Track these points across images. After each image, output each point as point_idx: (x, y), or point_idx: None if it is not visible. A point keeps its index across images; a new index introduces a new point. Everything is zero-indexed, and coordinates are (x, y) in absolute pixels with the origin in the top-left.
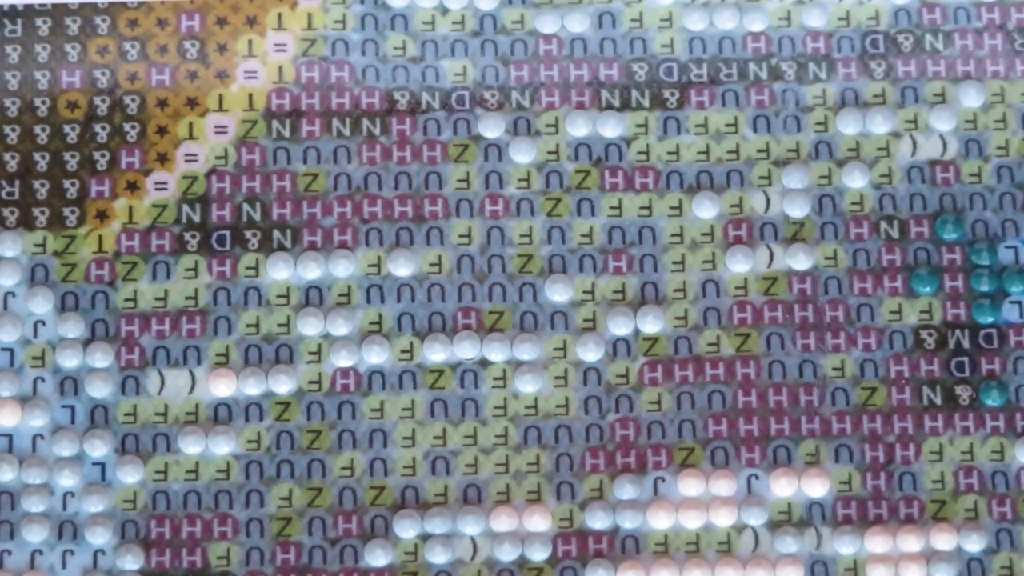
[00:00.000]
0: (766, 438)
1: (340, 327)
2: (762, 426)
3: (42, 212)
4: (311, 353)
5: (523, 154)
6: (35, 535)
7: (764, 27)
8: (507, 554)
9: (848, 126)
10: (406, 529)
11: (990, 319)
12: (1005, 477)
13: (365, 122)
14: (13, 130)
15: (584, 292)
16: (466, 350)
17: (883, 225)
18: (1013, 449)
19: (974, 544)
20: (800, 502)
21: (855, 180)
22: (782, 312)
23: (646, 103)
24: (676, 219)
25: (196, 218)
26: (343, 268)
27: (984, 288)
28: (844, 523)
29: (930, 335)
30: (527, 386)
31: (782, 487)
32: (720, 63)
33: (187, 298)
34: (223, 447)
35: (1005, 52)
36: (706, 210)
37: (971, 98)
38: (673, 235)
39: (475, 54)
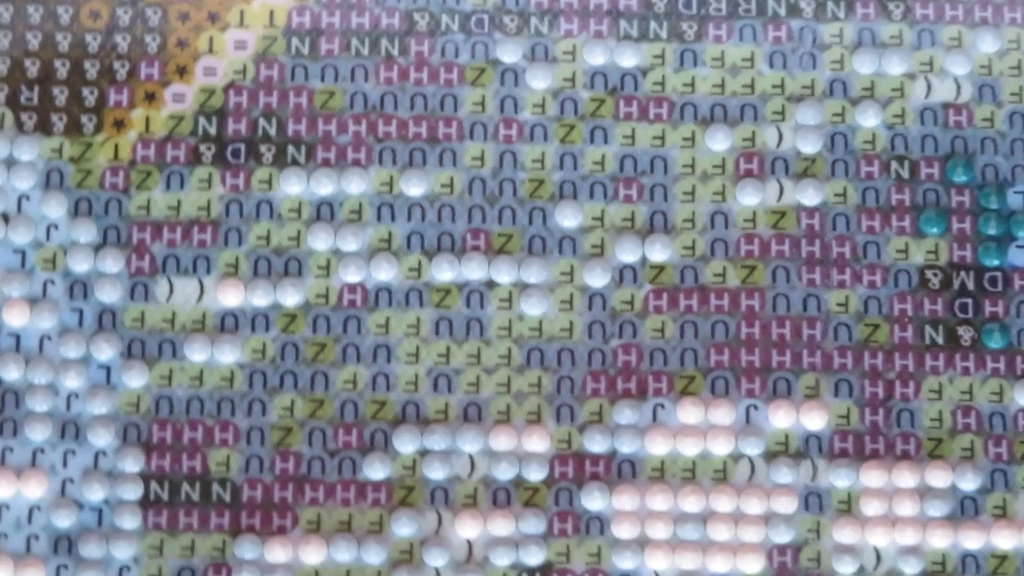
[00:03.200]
0: (767, 370)
1: (350, 243)
2: (763, 358)
3: (60, 118)
4: (320, 267)
5: (539, 80)
6: (38, 434)
7: None
8: (504, 473)
9: (864, 65)
10: (405, 444)
11: (996, 262)
12: (1003, 418)
13: (384, 42)
14: (35, 36)
15: (593, 218)
16: (473, 271)
17: (894, 165)
18: (1012, 391)
19: (969, 483)
20: (797, 434)
21: (868, 119)
22: (789, 246)
23: (664, 34)
24: (688, 150)
25: (212, 131)
26: (355, 185)
27: (991, 231)
28: (840, 456)
29: (935, 275)
30: (532, 308)
31: (780, 418)
32: None
33: (199, 208)
34: (228, 356)
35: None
36: (718, 143)
37: (987, 43)
38: (685, 166)
39: None
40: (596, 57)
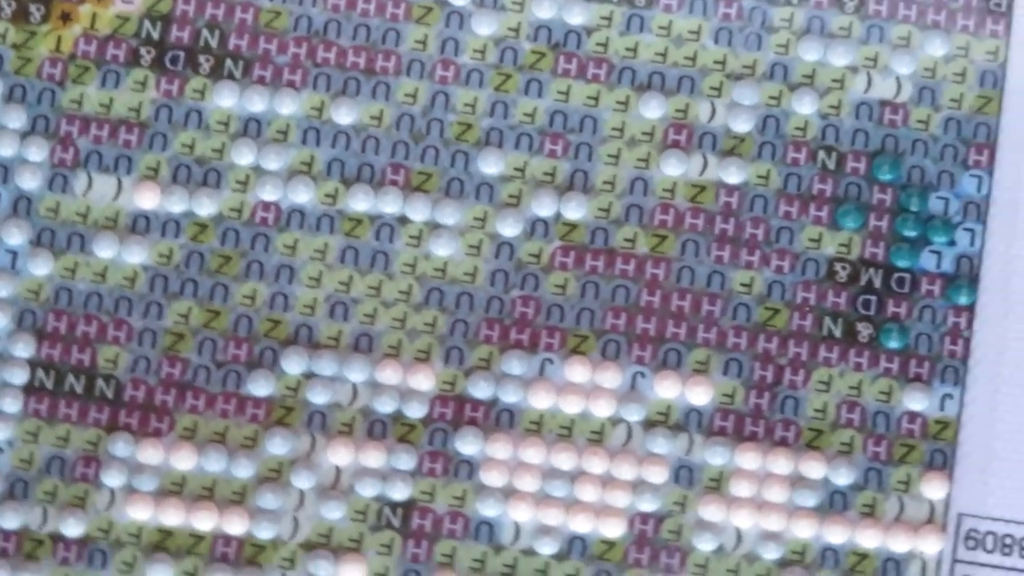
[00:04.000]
0: (660, 339)
1: (271, 162)
2: (659, 327)
3: (8, 3)
4: (238, 182)
5: (484, 26)
6: None
7: None
8: (384, 406)
9: (808, 52)
10: (292, 365)
11: (906, 264)
12: (887, 419)
13: None
14: None
15: (515, 168)
16: (388, 204)
17: (821, 154)
18: (901, 393)
19: (842, 478)
20: (680, 406)
21: (804, 106)
22: (703, 221)
23: None
24: (620, 114)
25: (155, 35)
26: (286, 106)
27: (908, 233)
28: (718, 434)
29: (844, 268)
30: (440, 249)
31: (666, 388)
32: None
33: (130, 109)
34: (135, 256)
35: (979, 8)
36: (652, 110)
37: (936, 47)
38: (614, 128)
39: None
40: (544, 11)
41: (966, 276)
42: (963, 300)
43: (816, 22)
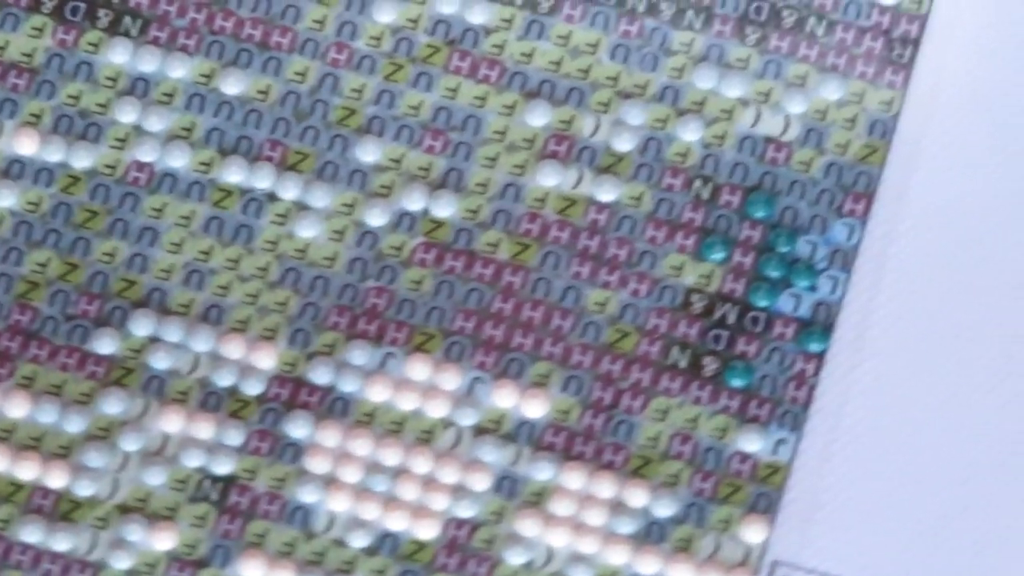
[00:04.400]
0: (505, 347)
1: (153, 123)
2: (506, 335)
3: None
4: (117, 139)
5: (385, 14)
6: None
7: None
8: (222, 379)
9: (702, 80)
10: (139, 327)
11: (764, 303)
12: (718, 456)
13: None
14: None
15: (391, 159)
16: (260, 180)
17: (697, 183)
18: (736, 432)
19: (663, 509)
20: (513, 417)
21: (688, 133)
22: (568, 235)
23: (519, 1)
24: (505, 118)
25: None
26: (176, 70)
27: (770, 272)
28: (547, 449)
29: (700, 300)
30: (304, 230)
31: (502, 397)
32: None
33: (23, 54)
34: (3, 200)
35: (880, 58)
36: (536, 118)
37: (830, 90)
38: (496, 132)
39: None
40: (447, 6)
41: (821, 323)
42: (814, 347)
43: (715, 50)
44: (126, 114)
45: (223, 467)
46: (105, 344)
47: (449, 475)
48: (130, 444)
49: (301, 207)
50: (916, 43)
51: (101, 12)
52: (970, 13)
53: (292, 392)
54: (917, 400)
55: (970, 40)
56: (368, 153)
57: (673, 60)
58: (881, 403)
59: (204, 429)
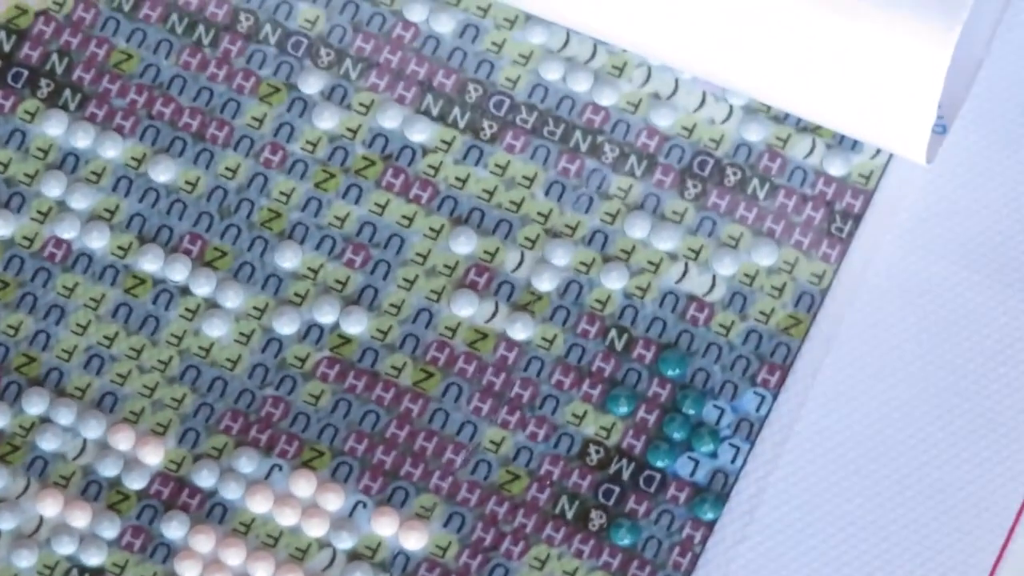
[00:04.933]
0: (394, 475)
1: (78, 200)
2: (396, 462)
3: None
4: (39, 212)
5: (325, 120)
6: None
7: (611, 103)
8: (107, 470)
9: (634, 228)
10: (32, 405)
11: (661, 464)
12: None
13: (200, 28)
14: None
15: (309, 268)
16: (175, 272)
17: (612, 333)
18: None
19: None
20: (390, 546)
21: (612, 281)
22: (475, 368)
23: (461, 124)
24: (429, 241)
25: (6, 47)
26: (109, 149)
27: (673, 433)
28: None
29: (597, 452)
30: (211, 329)
31: (382, 525)
32: (550, 118)
33: None
34: None
35: (819, 229)
36: (461, 245)
37: (763, 255)
38: (418, 254)
39: (333, 9)
40: (388, 120)
41: (716, 492)
42: (707, 515)
43: (652, 200)
44: (52, 188)
45: (94, 559)
46: None
47: None
48: (5, 522)
49: (211, 304)
50: (858, 219)
51: (43, 81)
52: (913, 199)
53: (173, 491)
54: None
55: (908, 228)
56: (287, 259)
57: (608, 204)
58: None
59: (80, 517)
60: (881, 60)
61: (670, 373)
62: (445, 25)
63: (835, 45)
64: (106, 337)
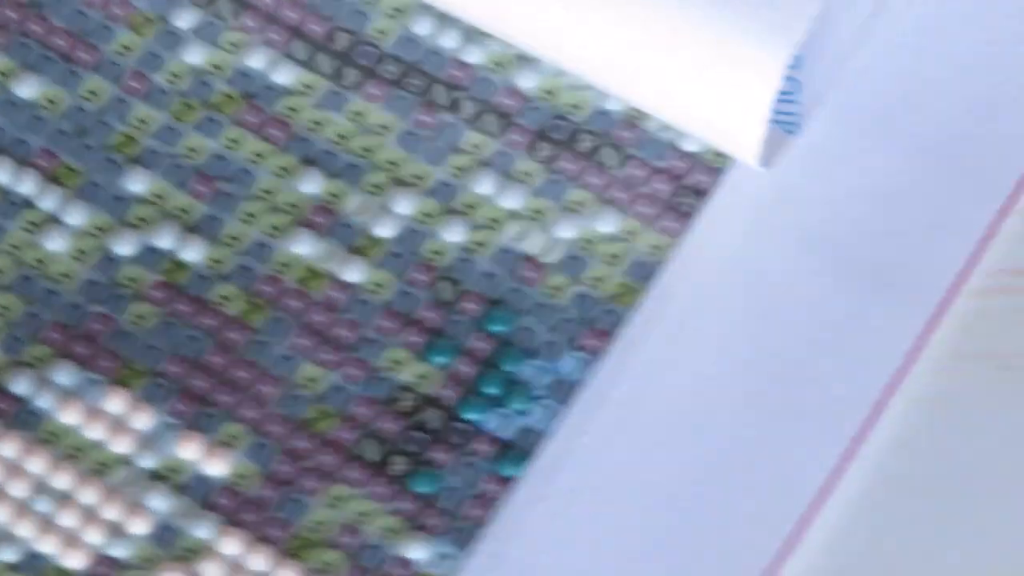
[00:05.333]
0: (205, 401)
1: None
2: (210, 388)
3: None
4: None
5: (192, 55)
6: None
7: (477, 61)
8: None
9: (480, 184)
10: None
11: (470, 417)
12: (378, 556)
13: None
14: None
15: (155, 195)
16: (23, 184)
17: (442, 284)
18: (404, 537)
19: None
20: (191, 470)
21: (450, 234)
22: (304, 305)
23: (326, 70)
24: (277, 179)
25: None
26: None
27: (487, 388)
28: (210, 509)
29: (408, 399)
30: (51, 243)
31: (186, 449)
32: (414, 71)
33: None
34: None
35: (664, 202)
36: (308, 186)
37: (605, 223)
38: (264, 190)
39: None
40: (253, 60)
41: (522, 450)
42: (508, 471)
43: (502, 158)
44: None
45: None
46: None
47: (111, 512)
48: None
49: (54, 221)
50: (704, 196)
51: None
52: (761, 182)
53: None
54: (594, 545)
55: (753, 210)
56: (134, 183)
57: (458, 158)
58: (556, 541)
59: None
60: (715, 68)
61: (494, 329)
62: None
63: (674, 44)
64: None
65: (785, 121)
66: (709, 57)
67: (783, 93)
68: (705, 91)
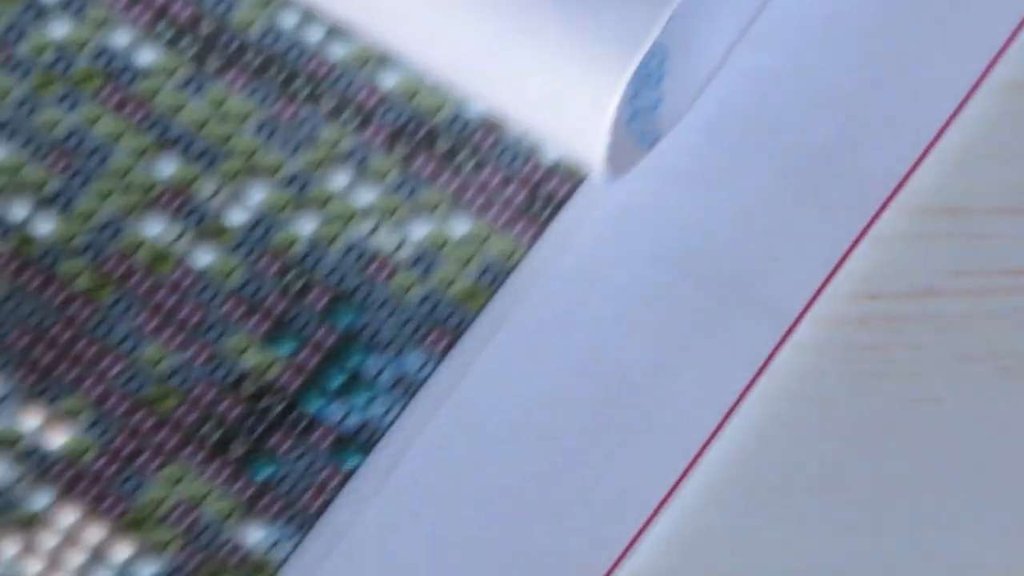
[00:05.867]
0: (47, 374)
1: None
2: (54, 362)
3: None
4: None
5: (57, 28)
6: None
7: (339, 57)
8: None
9: (335, 179)
10: None
11: (312, 407)
12: (213, 538)
13: None
14: None
15: (10, 166)
16: None
17: (291, 275)
18: (238, 520)
19: (140, 569)
20: (29, 441)
21: (301, 226)
22: (149, 286)
23: (189, 54)
24: (132, 159)
25: None
26: None
27: (330, 381)
28: (48, 480)
29: (251, 385)
30: None
31: (27, 420)
32: (276, 63)
33: None
34: None
35: (518, 208)
36: (162, 168)
37: (457, 226)
38: (119, 169)
39: None
40: (117, 38)
41: (360, 443)
42: (347, 464)
43: (359, 154)
44: None
45: None
46: None
47: None
48: None
49: None
50: (559, 205)
51: None
52: (616, 194)
53: None
54: (427, 542)
55: (606, 221)
56: None
57: (314, 152)
58: (390, 535)
59: None
60: (560, 77)
61: (340, 322)
62: None
63: (521, 50)
64: None
65: (642, 134)
66: (554, 66)
67: (641, 107)
68: (551, 100)
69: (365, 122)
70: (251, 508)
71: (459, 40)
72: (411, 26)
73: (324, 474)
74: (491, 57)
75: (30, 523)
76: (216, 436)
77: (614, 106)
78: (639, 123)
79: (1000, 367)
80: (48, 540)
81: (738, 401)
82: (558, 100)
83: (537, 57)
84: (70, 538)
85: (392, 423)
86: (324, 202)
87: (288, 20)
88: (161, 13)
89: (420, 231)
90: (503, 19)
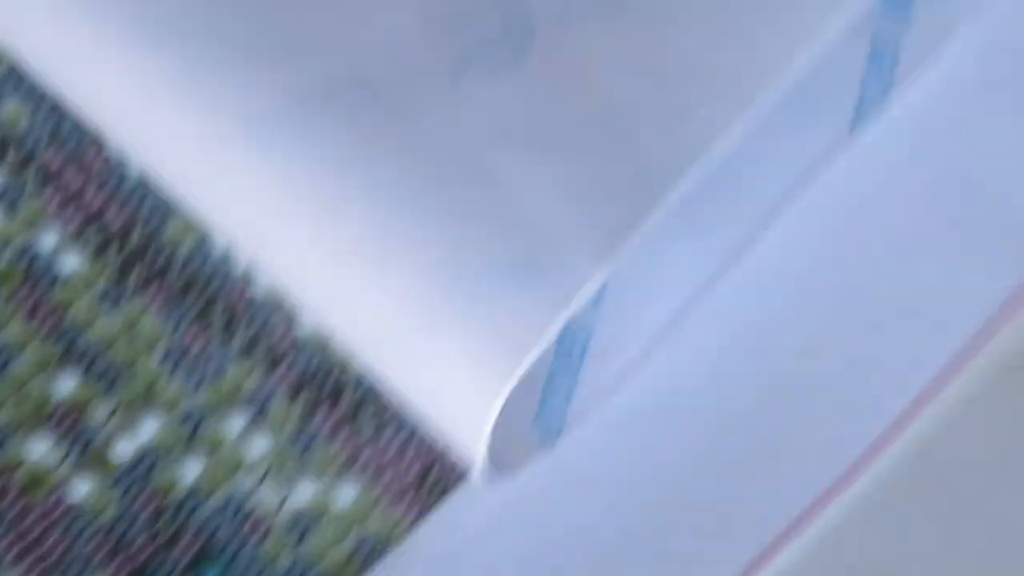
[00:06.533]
0: None
1: None
2: None
3: None
4: None
5: None
6: None
7: (263, 294)
8: None
9: (232, 423)
10: None
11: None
12: None
13: None
14: None
15: None
16: None
17: (164, 519)
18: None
19: None
20: None
21: (189, 469)
22: (22, 508)
23: (113, 264)
24: (33, 370)
25: None
26: None
27: None
28: None
29: None
30: None
31: None
32: (200, 284)
33: None
34: None
35: (411, 483)
36: (61, 385)
37: (344, 492)
38: (17, 379)
39: (37, 118)
40: (44, 239)
41: None
42: None
43: (261, 397)
44: None
45: None
46: None
47: None
48: None
49: None
50: (450, 487)
51: None
52: (504, 492)
53: None
54: None
55: (486, 518)
56: None
57: (216, 390)
58: None
59: None
60: (443, 378)
61: None
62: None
63: (414, 344)
64: None
65: (547, 428)
66: (442, 361)
67: (551, 399)
68: (437, 396)
69: (274, 365)
70: None
71: (354, 310)
72: (319, 293)
73: None
74: (387, 340)
75: None
76: None
77: (495, 413)
78: (545, 417)
79: None
80: None
81: None
82: (443, 397)
83: (428, 349)
84: None
85: None
86: (215, 446)
87: (219, 244)
88: (94, 217)
89: (304, 494)
90: (402, 304)
